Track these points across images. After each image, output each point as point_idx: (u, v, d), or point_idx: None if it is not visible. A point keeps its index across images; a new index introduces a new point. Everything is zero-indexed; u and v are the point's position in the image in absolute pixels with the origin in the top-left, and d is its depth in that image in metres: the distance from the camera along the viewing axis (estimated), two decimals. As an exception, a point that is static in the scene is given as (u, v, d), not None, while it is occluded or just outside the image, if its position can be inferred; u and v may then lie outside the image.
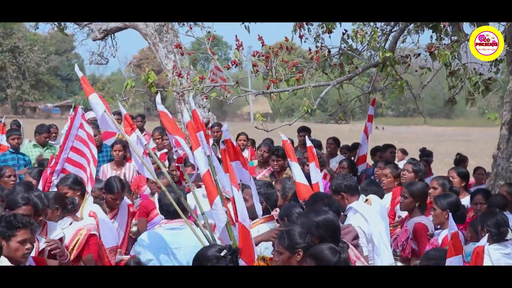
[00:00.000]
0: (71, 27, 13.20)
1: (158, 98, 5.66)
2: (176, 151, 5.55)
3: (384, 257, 5.79)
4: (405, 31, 8.46)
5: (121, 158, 8.88)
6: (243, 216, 4.72)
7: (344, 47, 8.46)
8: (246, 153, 10.76)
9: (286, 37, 8.13)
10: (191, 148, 5.24)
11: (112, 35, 13.75)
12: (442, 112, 58.61)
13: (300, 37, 8.20)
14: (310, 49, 8.42)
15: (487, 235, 5.61)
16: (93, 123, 8.38)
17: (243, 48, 8.20)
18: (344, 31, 8.30)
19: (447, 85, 8.57)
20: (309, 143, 6.78)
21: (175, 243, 5.25)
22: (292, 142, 11.07)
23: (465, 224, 6.47)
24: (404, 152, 14.12)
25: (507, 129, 8.05)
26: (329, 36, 8.53)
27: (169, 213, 5.43)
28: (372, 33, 8.28)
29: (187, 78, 7.95)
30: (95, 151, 7.09)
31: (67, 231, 5.84)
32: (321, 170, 9.10)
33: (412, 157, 10.64)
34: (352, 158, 10.37)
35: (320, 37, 8.58)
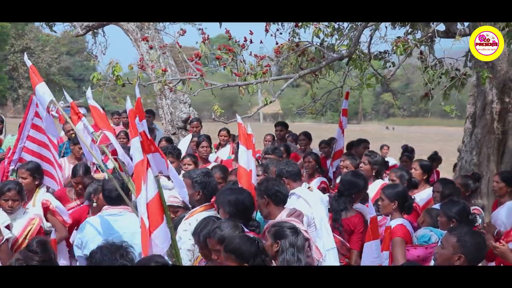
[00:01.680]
0: (59, 25, 13.35)
1: (88, 92, 5.77)
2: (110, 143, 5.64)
3: (326, 241, 5.96)
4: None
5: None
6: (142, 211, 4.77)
7: (316, 43, 8.54)
8: (227, 148, 10.84)
9: (251, 31, 8.19)
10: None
11: (103, 32, 13.92)
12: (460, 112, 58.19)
13: (266, 31, 8.27)
14: (277, 43, 8.50)
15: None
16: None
17: (209, 42, 8.31)
18: (315, 27, 8.36)
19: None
20: (250, 131, 6.78)
21: (112, 229, 5.35)
22: (273, 138, 11.22)
23: (413, 215, 6.52)
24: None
25: (470, 122, 8.06)
26: (304, 31, 8.65)
27: (111, 200, 5.55)
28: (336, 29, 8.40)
29: (152, 71, 8.03)
30: (53, 137, 7.24)
31: (20, 221, 5.98)
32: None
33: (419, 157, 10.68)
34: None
35: (296, 32, 8.70)
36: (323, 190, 8.60)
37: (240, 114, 7.42)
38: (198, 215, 5.51)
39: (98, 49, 13.39)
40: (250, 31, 8.16)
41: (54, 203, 6.63)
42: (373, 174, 7.72)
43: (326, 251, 5.88)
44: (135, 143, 4.87)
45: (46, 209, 6.52)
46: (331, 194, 7.01)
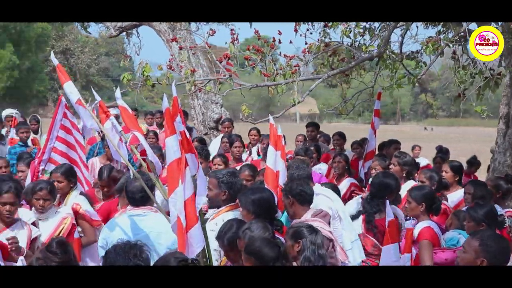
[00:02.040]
0: (94, 26, 13.50)
1: (117, 92, 5.80)
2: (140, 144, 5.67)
3: (351, 233, 6.06)
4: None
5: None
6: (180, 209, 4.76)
7: (347, 42, 8.48)
8: (256, 148, 10.83)
9: (279, 31, 8.17)
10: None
11: (137, 32, 14.05)
12: (496, 113, 57.34)
13: (295, 31, 8.24)
14: (306, 43, 8.46)
15: None
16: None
17: (238, 42, 8.31)
18: (344, 27, 8.29)
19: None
20: (280, 132, 6.78)
21: (137, 229, 5.36)
22: (305, 138, 11.18)
23: (443, 217, 6.42)
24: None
25: (504, 123, 7.90)
26: (334, 31, 8.59)
27: (134, 200, 5.57)
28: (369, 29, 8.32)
29: (180, 71, 8.07)
30: (80, 138, 7.32)
31: (52, 220, 6.06)
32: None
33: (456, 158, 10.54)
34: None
35: (326, 32, 8.64)
36: (353, 192, 8.55)
37: (276, 114, 7.40)
38: (223, 215, 5.54)
39: (133, 50, 13.53)
40: (279, 31, 8.14)
41: (85, 207, 6.62)
42: (404, 175, 7.62)
43: (351, 243, 5.97)
44: (171, 142, 4.85)
45: (76, 213, 6.56)
46: (363, 196, 6.96)
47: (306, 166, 7.08)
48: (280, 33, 8.21)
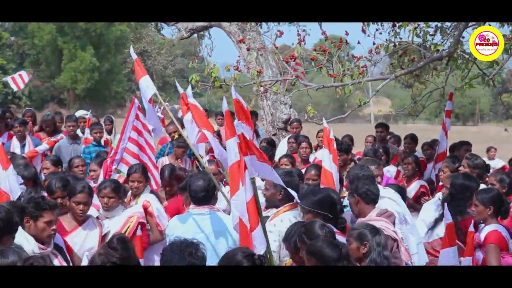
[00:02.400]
0: (167, 28, 13.78)
1: (188, 90, 5.90)
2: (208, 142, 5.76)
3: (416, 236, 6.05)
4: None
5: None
6: (242, 211, 4.79)
7: (419, 42, 8.34)
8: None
9: (346, 31, 8.14)
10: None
11: (209, 34, 14.26)
12: None
13: (363, 31, 8.16)
14: (374, 43, 8.37)
15: None
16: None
17: (305, 43, 8.32)
18: (413, 27, 8.16)
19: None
20: (332, 136, 6.77)
21: (197, 228, 5.42)
22: (375, 139, 11.05)
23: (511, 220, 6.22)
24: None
25: None
26: (404, 31, 8.46)
27: (197, 199, 5.64)
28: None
29: (248, 72, 8.14)
30: (150, 139, 7.49)
31: (118, 218, 6.23)
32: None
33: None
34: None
35: (396, 32, 8.53)
36: (423, 194, 8.39)
37: (350, 115, 7.40)
38: (282, 215, 5.55)
39: (205, 51, 13.72)
40: (346, 31, 8.12)
41: (155, 206, 6.74)
42: (474, 178, 7.43)
43: (416, 245, 5.96)
44: (231, 144, 4.88)
45: (145, 211, 6.71)
46: (440, 198, 6.87)
47: (377, 166, 7.02)
48: (347, 34, 8.19)
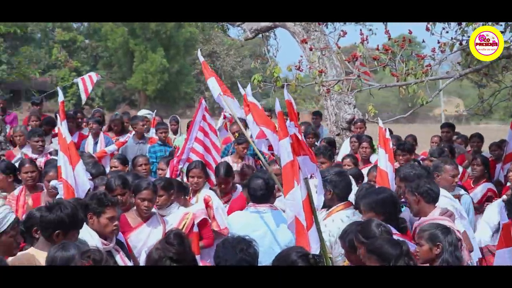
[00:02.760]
0: (233, 29, 13.93)
1: (248, 89, 5.98)
2: (267, 139, 5.82)
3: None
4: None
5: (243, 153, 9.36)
6: (298, 210, 4.81)
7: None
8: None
9: (410, 30, 8.05)
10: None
11: (274, 34, 14.33)
12: None
13: (427, 29, 8.05)
14: (438, 42, 8.24)
15: None
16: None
17: (367, 42, 8.27)
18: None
19: None
20: (388, 135, 6.73)
21: (255, 226, 5.46)
22: (441, 139, 10.89)
23: None
24: None
25: None
26: (473, 29, 8.31)
27: (255, 197, 5.70)
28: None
29: (310, 73, 8.16)
30: (216, 140, 7.62)
31: (173, 215, 6.36)
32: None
33: None
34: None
35: (464, 30, 8.40)
36: (490, 198, 8.20)
37: (421, 116, 7.36)
38: (334, 215, 5.54)
39: (271, 52, 13.83)
40: (409, 30, 8.03)
41: (216, 201, 6.97)
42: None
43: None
44: (285, 144, 4.93)
45: (207, 204, 6.86)
46: (504, 199, 6.72)
47: (454, 166, 6.95)
48: (410, 32, 8.11)
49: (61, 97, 6.55)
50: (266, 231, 5.43)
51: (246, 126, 6.59)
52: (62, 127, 6.33)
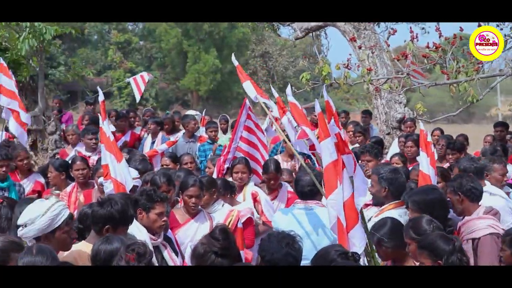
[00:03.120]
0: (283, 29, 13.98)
1: (288, 89, 6.03)
2: (308, 139, 5.85)
3: None
4: None
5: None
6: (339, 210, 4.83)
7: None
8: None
9: (461, 27, 7.90)
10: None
11: (325, 34, 14.33)
12: None
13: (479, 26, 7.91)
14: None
15: None
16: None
17: (417, 40, 8.16)
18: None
19: None
20: (429, 139, 6.67)
21: (302, 223, 5.49)
22: (494, 139, 10.71)
23: None
24: None
25: None
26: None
27: (303, 194, 5.73)
28: None
29: (358, 70, 8.11)
30: (263, 138, 7.69)
31: (219, 213, 6.44)
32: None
33: None
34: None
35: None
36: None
37: (477, 116, 7.30)
38: (386, 213, 5.53)
39: (323, 51, 13.84)
40: (460, 27, 7.89)
41: (263, 196, 7.09)
42: None
43: None
44: (326, 144, 4.94)
45: (255, 199, 6.94)
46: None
47: (503, 164, 6.95)
48: (461, 30, 7.95)
49: (101, 97, 6.70)
50: (311, 228, 5.45)
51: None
52: (104, 126, 6.46)
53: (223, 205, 6.49)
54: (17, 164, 8.24)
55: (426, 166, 6.38)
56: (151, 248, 4.90)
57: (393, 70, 11.13)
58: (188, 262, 5.08)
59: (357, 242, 4.77)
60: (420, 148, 6.77)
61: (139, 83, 12.21)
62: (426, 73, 10.75)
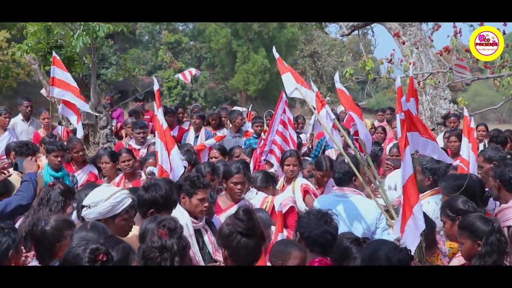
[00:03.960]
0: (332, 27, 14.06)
1: (336, 76, 6.16)
2: (354, 124, 6.01)
3: None
4: None
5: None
6: None
7: None
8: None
9: (505, 23, 7.91)
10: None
11: (372, 31, 14.38)
12: None
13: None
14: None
15: None
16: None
17: (461, 35, 8.22)
18: None
19: None
20: (472, 125, 6.74)
21: (337, 210, 5.62)
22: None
23: None
24: None
25: None
26: None
27: (340, 181, 5.90)
28: None
29: (400, 65, 8.22)
30: (293, 134, 7.87)
31: (253, 201, 6.63)
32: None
33: None
34: None
35: None
36: None
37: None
38: (427, 199, 5.74)
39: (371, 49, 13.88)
40: (504, 23, 7.90)
41: (312, 188, 7.29)
42: None
43: None
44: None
45: (306, 192, 7.11)
46: None
47: None
48: (505, 25, 7.96)
49: (156, 86, 6.91)
50: (346, 215, 5.60)
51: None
52: (158, 113, 6.71)
53: (256, 193, 6.68)
54: (73, 155, 8.57)
55: (466, 152, 6.48)
56: (191, 230, 5.15)
57: (438, 66, 11.16)
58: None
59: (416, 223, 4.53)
60: (462, 134, 6.86)
61: (186, 75, 12.61)
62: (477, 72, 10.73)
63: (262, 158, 7.89)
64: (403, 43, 9.60)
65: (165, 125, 6.67)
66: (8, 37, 30.64)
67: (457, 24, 8.23)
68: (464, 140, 6.63)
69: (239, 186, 6.25)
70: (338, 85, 6.09)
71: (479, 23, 8.39)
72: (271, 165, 7.97)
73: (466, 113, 6.85)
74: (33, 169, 6.06)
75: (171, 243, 3.71)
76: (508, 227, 5.15)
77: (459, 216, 4.81)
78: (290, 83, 6.46)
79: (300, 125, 12.86)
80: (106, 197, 4.61)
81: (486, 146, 9.59)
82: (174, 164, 6.49)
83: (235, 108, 13.35)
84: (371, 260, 3.87)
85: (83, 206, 4.61)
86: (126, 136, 10.79)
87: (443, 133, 10.47)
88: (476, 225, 4.37)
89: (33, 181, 5.76)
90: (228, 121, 11.55)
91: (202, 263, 5.09)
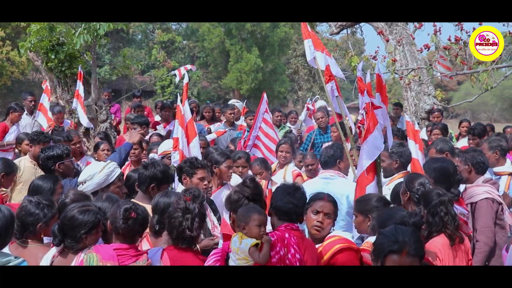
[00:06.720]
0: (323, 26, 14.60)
1: (360, 65, 6.63)
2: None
3: None
4: None
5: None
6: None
7: None
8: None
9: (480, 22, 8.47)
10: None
11: (361, 30, 14.93)
12: None
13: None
14: (510, 32, 8.62)
15: None
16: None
17: (440, 33, 8.78)
18: None
19: None
20: (417, 127, 7.63)
21: (324, 190, 6.08)
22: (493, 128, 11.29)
23: None
24: None
25: None
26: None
27: (326, 164, 6.51)
28: None
29: (383, 61, 8.76)
30: (273, 134, 8.61)
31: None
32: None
33: None
34: None
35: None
36: None
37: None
38: (397, 181, 6.21)
39: (355, 47, 14.40)
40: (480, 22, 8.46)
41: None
42: None
43: None
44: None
45: (297, 175, 7.98)
46: None
47: None
48: (481, 23, 8.52)
49: (186, 80, 7.47)
50: (333, 195, 6.09)
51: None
52: (184, 106, 7.09)
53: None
54: (71, 147, 9.12)
55: (415, 152, 7.14)
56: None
57: (422, 63, 11.74)
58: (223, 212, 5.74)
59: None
60: (408, 137, 7.53)
61: (182, 71, 13.17)
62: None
63: (247, 150, 8.50)
64: (387, 40, 10.16)
65: (186, 116, 7.05)
66: (3, 35, 31.02)
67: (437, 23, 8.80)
68: (411, 142, 7.30)
69: (240, 169, 7.14)
70: (359, 73, 6.52)
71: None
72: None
73: (407, 118, 7.50)
74: (134, 139, 7.47)
75: (193, 207, 4.26)
76: (471, 203, 5.74)
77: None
78: (310, 50, 6.97)
79: (293, 119, 13.46)
80: (100, 169, 5.52)
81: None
82: (192, 153, 6.85)
83: (232, 101, 13.91)
84: (387, 221, 4.26)
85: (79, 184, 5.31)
86: (128, 130, 11.27)
87: (425, 127, 11.05)
88: (430, 195, 4.78)
89: (122, 151, 7.11)
90: (222, 115, 12.16)
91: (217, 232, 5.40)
